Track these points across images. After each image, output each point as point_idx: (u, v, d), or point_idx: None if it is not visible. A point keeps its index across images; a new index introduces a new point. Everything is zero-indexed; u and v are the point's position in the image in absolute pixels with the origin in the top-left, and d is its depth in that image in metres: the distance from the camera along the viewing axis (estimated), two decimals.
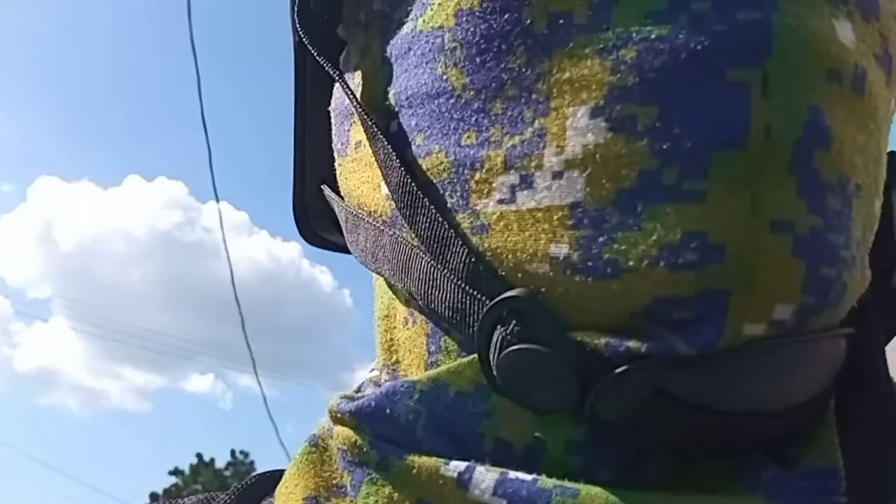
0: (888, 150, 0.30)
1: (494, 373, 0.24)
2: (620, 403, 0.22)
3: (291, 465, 0.28)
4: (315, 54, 0.30)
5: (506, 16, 0.24)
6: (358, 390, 0.29)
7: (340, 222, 0.32)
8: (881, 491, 0.23)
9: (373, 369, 0.30)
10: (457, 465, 0.23)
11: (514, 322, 0.23)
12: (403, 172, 0.26)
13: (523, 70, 0.24)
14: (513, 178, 0.24)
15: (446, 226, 0.25)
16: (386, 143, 0.27)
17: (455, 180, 0.25)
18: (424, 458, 0.24)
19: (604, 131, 0.22)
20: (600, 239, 0.22)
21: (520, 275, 0.24)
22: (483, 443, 0.24)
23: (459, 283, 0.25)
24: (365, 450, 0.25)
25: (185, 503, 0.31)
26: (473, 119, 0.25)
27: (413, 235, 0.26)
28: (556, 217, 0.23)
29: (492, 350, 0.24)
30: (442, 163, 0.26)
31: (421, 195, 0.26)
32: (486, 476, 0.23)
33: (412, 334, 0.28)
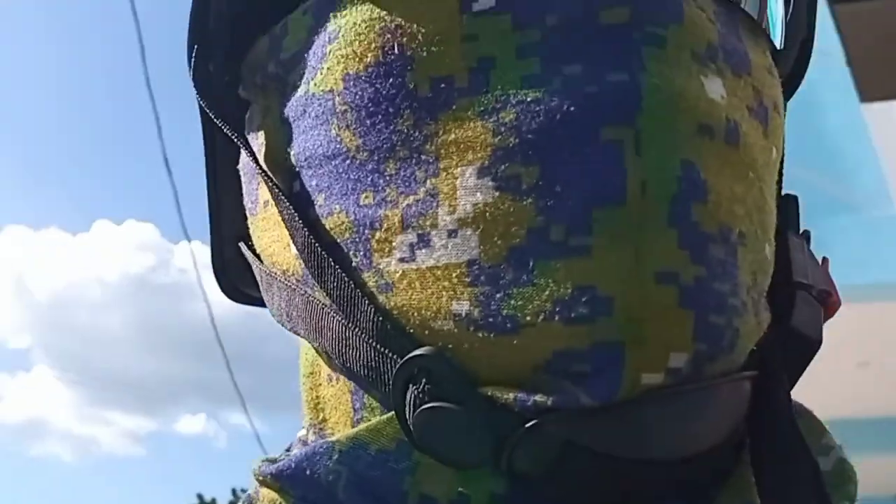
0: (784, 193, 0.31)
1: (412, 430, 0.24)
2: (534, 456, 0.23)
3: None
4: (214, 118, 0.31)
5: (390, 80, 0.25)
6: (288, 449, 0.29)
7: (257, 280, 0.32)
8: None
9: (301, 429, 0.30)
10: None
11: (423, 380, 0.24)
12: (307, 233, 0.27)
13: (412, 132, 0.25)
14: (411, 236, 0.24)
15: (352, 285, 0.26)
16: (288, 204, 0.27)
17: (357, 240, 0.26)
18: None
19: (491, 190, 0.23)
20: (497, 295, 0.23)
21: (427, 332, 0.24)
22: (407, 500, 0.24)
23: (371, 341, 0.25)
24: None
25: None
26: (369, 179, 0.25)
27: (324, 294, 0.27)
28: (454, 275, 0.24)
29: (407, 408, 0.24)
30: (343, 222, 0.26)
31: (326, 255, 0.26)
32: None
33: (336, 392, 0.28)
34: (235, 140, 0.30)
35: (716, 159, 0.23)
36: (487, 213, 0.23)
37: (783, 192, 0.31)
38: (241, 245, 0.33)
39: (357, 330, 0.25)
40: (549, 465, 0.23)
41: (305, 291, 0.28)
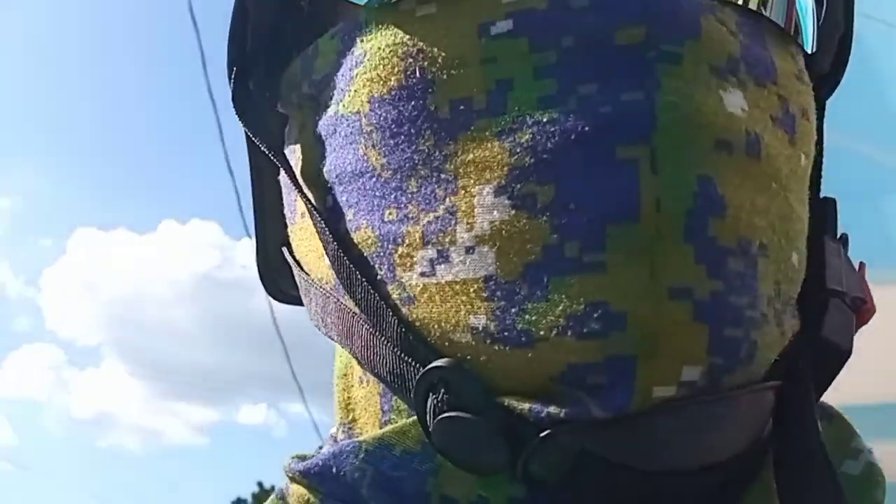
0: (822, 196, 0.31)
1: (432, 436, 0.25)
2: (550, 464, 0.23)
3: None
4: (252, 137, 0.32)
5: (412, 103, 0.26)
6: (321, 447, 0.30)
7: (297, 284, 0.33)
8: None
9: (333, 427, 0.31)
10: None
11: (442, 390, 0.24)
12: (336, 246, 0.28)
13: (432, 151, 0.25)
14: (431, 252, 0.25)
15: (377, 297, 0.26)
16: (320, 218, 0.29)
17: (382, 254, 0.27)
18: None
19: (508, 208, 0.24)
20: (513, 310, 0.24)
21: (446, 343, 0.25)
22: (430, 500, 0.25)
23: (395, 350, 0.26)
24: None
25: None
26: (393, 196, 0.26)
27: (353, 304, 0.28)
28: (472, 290, 0.24)
29: (427, 415, 0.25)
30: (369, 237, 0.27)
31: (353, 268, 0.27)
32: None
33: (367, 393, 0.29)
34: (272, 158, 0.31)
35: (735, 173, 0.23)
36: (504, 231, 0.24)
37: (821, 195, 0.31)
38: (284, 250, 0.34)
39: (383, 339, 0.26)
40: (564, 473, 0.23)
41: (338, 299, 0.29)
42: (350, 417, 0.30)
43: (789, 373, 0.25)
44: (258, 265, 0.37)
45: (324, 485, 0.26)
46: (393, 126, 0.26)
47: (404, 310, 0.26)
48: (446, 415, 0.24)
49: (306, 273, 0.31)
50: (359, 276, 0.27)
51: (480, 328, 0.24)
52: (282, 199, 0.34)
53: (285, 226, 0.33)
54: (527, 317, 0.23)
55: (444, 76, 0.25)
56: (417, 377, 0.25)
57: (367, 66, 0.27)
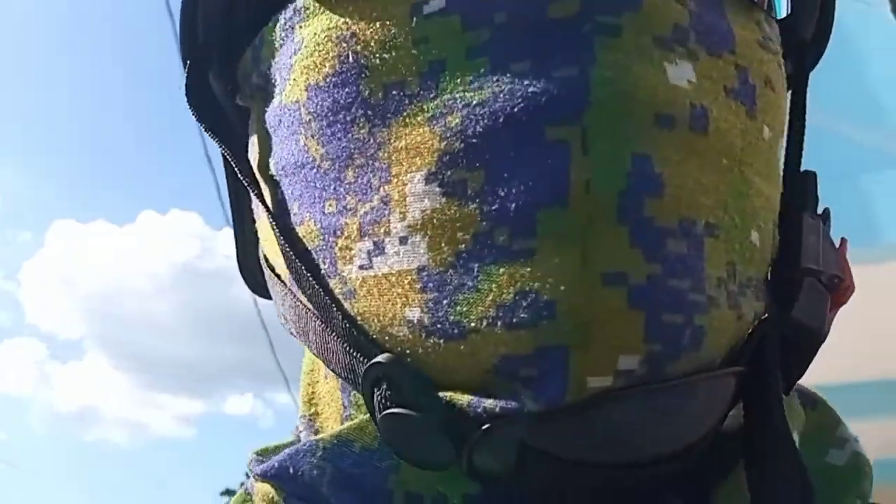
0: (801, 170, 0.29)
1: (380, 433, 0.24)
2: (493, 459, 0.23)
3: None
4: (206, 130, 0.31)
5: (346, 89, 0.25)
6: (275, 447, 0.29)
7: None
8: None
9: (301, 416, 0.31)
10: None
11: (384, 386, 0.24)
12: (283, 241, 0.27)
13: (367, 139, 0.25)
14: (368, 244, 0.25)
15: (321, 292, 0.26)
16: (266, 212, 0.28)
17: (324, 247, 0.26)
18: None
19: (438, 196, 0.23)
20: (445, 301, 0.23)
21: (387, 338, 0.25)
22: (392, 498, 0.25)
23: (345, 346, 0.26)
24: None
25: None
26: (332, 188, 0.26)
27: (305, 299, 0.27)
28: (406, 281, 0.24)
29: (375, 412, 0.24)
30: (312, 230, 0.27)
31: (299, 263, 0.27)
32: None
33: (330, 388, 0.29)
34: (221, 150, 0.30)
35: (677, 149, 0.22)
36: (435, 219, 0.23)
37: (801, 169, 0.30)
38: (260, 247, 0.34)
39: (333, 334, 0.26)
40: (509, 468, 0.23)
41: (294, 294, 0.28)
42: (312, 411, 0.30)
43: (757, 356, 0.24)
44: (238, 260, 0.37)
45: (285, 484, 0.26)
46: (329, 114, 0.25)
47: (346, 304, 0.26)
48: (389, 411, 0.24)
49: (270, 268, 0.31)
50: (304, 272, 0.27)
51: (416, 321, 0.24)
52: None
53: (254, 221, 0.33)
54: (458, 308, 0.23)
55: (377, 60, 0.24)
56: (361, 373, 0.25)
57: (304, 53, 0.26)
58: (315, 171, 0.26)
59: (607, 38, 0.22)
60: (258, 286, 0.37)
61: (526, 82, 0.22)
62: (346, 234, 0.25)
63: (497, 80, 0.22)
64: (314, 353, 0.28)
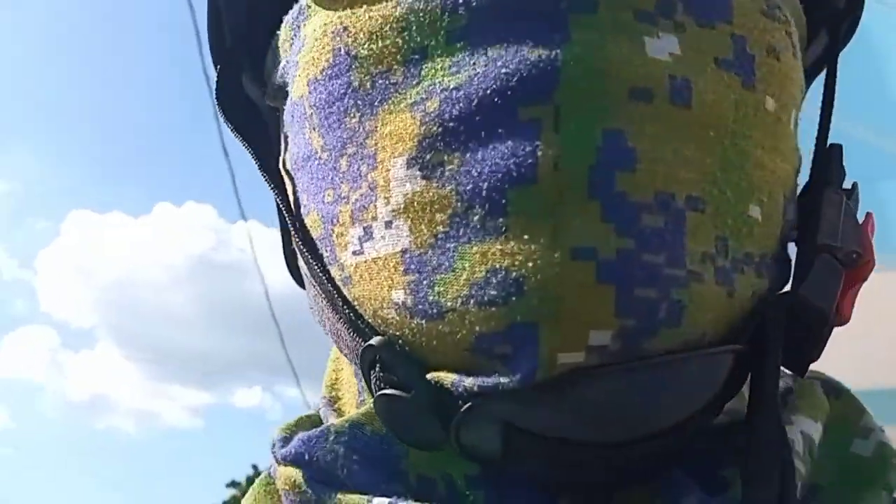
0: (832, 144, 0.28)
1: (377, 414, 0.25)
2: (480, 438, 0.23)
3: (249, 495, 0.29)
4: (232, 130, 0.32)
5: (339, 80, 0.25)
6: (297, 423, 0.30)
7: None
8: None
9: (322, 397, 0.31)
10: (380, 502, 0.24)
11: (378, 368, 0.25)
12: (294, 233, 0.28)
13: (357, 128, 0.25)
14: (359, 230, 0.25)
15: (325, 280, 0.27)
16: (284, 207, 0.29)
17: (325, 236, 0.27)
18: (350, 496, 0.24)
19: (418, 179, 0.23)
20: (425, 282, 0.23)
21: (379, 321, 0.25)
22: (407, 479, 0.25)
23: (350, 330, 0.26)
24: (303, 489, 0.26)
25: None
26: (330, 177, 0.26)
27: (319, 287, 0.28)
28: (391, 264, 0.24)
29: (374, 393, 0.25)
30: (316, 220, 0.27)
31: (307, 253, 0.28)
32: None
33: (349, 375, 0.30)
34: (245, 148, 0.31)
35: (654, 123, 0.22)
36: (416, 202, 0.23)
37: (827, 143, 0.29)
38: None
39: (341, 320, 0.27)
40: (496, 446, 0.23)
41: (313, 285, 0.29)
42: (333, 394, 0.31)
43: (755, 335, 0.24)
44: (284, 254, 0.37)
45: (304, 469, 0.26)
46: (325, 106, 0.26)
47: (346, 290, 0.26)
48: (382, 392, 0.24)
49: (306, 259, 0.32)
50: (311, 261, 0.27)
51: (401, 303, 0.24)
52: None
53: None
54: (437, 288, 0.23)
55: (365, 51, 0.25)
56: (359, 357, 0.25)
57: (305, 50, 0.27)
58: (317, 162, 0.27)
59: (582, 16, 0.22)
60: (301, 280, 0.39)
61: (500, 63, 0.22)
62: (340, 221, 0.26)
63: (474, 64, 0.23)
64: (331, 339, 0.28)
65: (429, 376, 0.24)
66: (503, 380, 0.22)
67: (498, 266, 0.22)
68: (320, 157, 0.26)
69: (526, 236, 0.22)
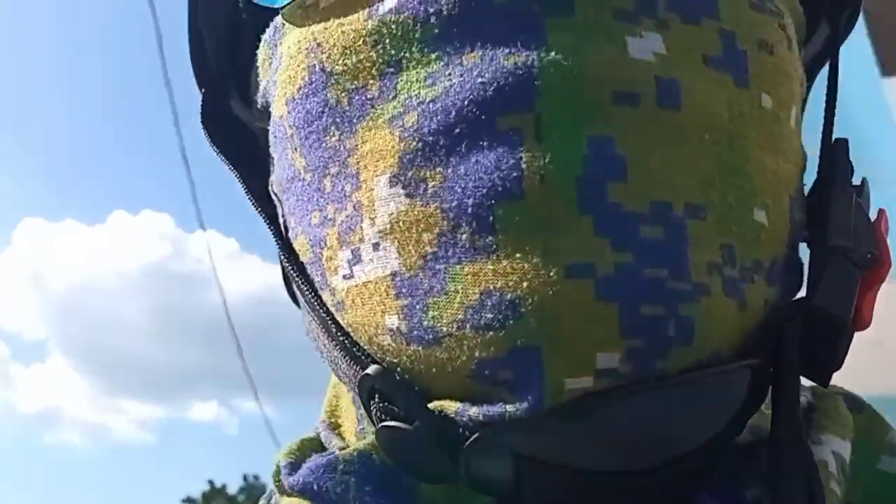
0: (837, 139, 0.27)
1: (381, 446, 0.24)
2: (491, 469, 0.22)
3: None
4: (216, 152, 0.31)
5: (316, 98, 0.25)
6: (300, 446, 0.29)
7: None
8: None
9: (322, 421, 0.30)
10: None
11: (377, 398, 0.23)
12: (283, 258, 0.27)
13: (338, 147, 0.24)
14: (347, 253, 0.24)
15: (317, 306, 0.26)
16: (273, 230, 0.28)
17: (314, 260, 0.26)
18: None
19: (402, 198, 0.22)
20: (418, 307, 0.22)
21: (375, 348, 0.24)
22: None
23: (346, 357, 0.25)
24: None
25: None
26: (315, 199, 0.25)
27: (312, 314, 0.27)
28: (382, 288, 0.23)
29: (375, 424, 0.24)
30: (304, 244, 0.26)
31: (298, 278, 0.26)
32: None
33: (348, 402, 0.29)
34: (230, 169, 0.30)
35: (642, 128, 0.21)
36: (401, 222, 0.22)
37: (833, 138, 0.28)
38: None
39: (336, 346, 0.25)
40: (509, 478, 0.22)
41: (308, 312, 0.28)
42: (334, 421, 0.29)
43: (778, 345, 0.23)
44: (283, 277, 0.36)
45: (312, 499, 0.25)
46: (305, 126, 0.25)
47: (339, 315, 0.25)
48: (383, 425, 0.23)
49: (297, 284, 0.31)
50: (302, 286, 0.26)
51: (395, 328, 0.23)
52: None
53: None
54: (430, 312, 0.22)
55: (340, 67, 0.24)
56: (356, 385, 0.24)
57: (282, 68, 0.26)
58: (301, 183, 0.26)
59: (558, 19, 0.21)
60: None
61: (475, 73, 0.21)
62: (328, 244, 0.25)
63: (449, 74, 0.22)
64: (329, 366, 0.27)
65: (431, 405, 0.23)
66: (510, 408, 0.21)
67: (492, 287, 0.21)
68: (304, 179, 0.25)
69: (518, 255, 0.20)
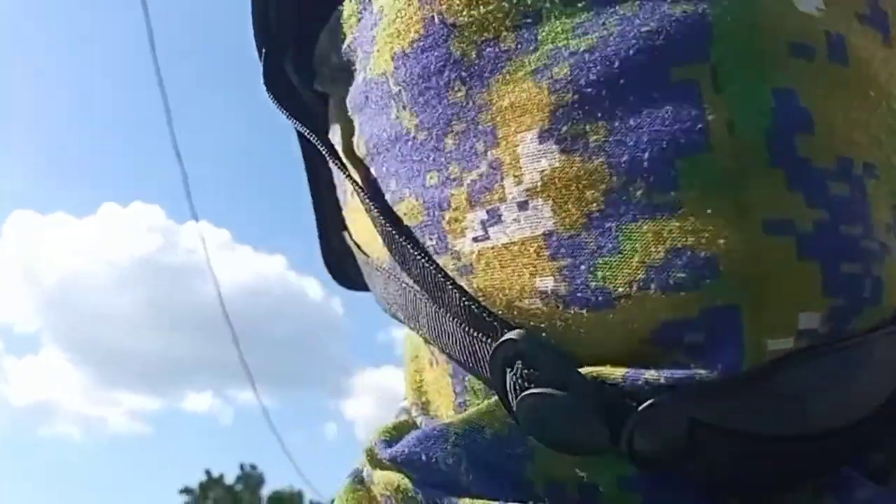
0: None
1: (517, 417, 0.23)
2: (657, 438, 0.21)
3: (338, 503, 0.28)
4: (289, 118, 0.31)
5: (435, 52, 0.24)
6: (396, 426, 0.28)
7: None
8: None
9: (405, 399, 0.30)
10: None
11: (520, 365, 0.22)
12: (384, 221, 0.26)
13: (465, 103, 0.23)
14: (481, 213, 0.23)
15: (432, 271, 0.25)
16: (364, 193, 0.27)
17: (430, 222, 0.25)
18: (477, 502, 0.23)
19: (557, 154, 0.21)
20: (582, 267, 0.21)
21: (515, 313, 0.23)
22: (534, 486, 0.23)
23: (463, 326, 0.24)
24: (411, 495, 0.25)
25: None
26: (431, 158, 0.24)
27: (412, 280, 0.26)
28: (532, 249, 0.22)
29: (508, 394, 0.23)
30: (414, 206, 0.25)
31: (404, 242, 0.25)
32: None
33: (437, 376, 0.28)
34: (308, 135, 0.30)
35: (819, 82, 0.20)
36: (557, 179, 0.21)
37: None
38: (345, 234, 0.34)
39: (448, 315, 0.25)
40: (676, 446, 0.21)
41: (398, 277, 0.28)
42: (423, 399, 0.29)
43: None
44: (323, 254, 0.36)
45: (416, 472, 0.25)
46: (420, 81, 0.24)
47: (463, 281, 0.24)
48: (528, 392, 0.22)
49: (365, 254, 0.30)
50: (411, 251, 0.25)
51: (549, 291, 0.22)
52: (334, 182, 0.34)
53: (340, 210, 0.33)
54: (599, 273, 0.21)
55: (465, 18, 0.23)
56: (490, 354, 0.23)
57: (386, 22, 0.25)
58: (411, 143, 0.25)
59: None
60: (347, 280, 0.37)
61: (637, 22, 0.20)
62: (453, 205, 0.24)
63: (604, 24, 0.21)
64: (426, 338, 0.27)
65: (583, 371, 0.21)
66: (701, 371, 0.20)
67: (680, 245, 0.20)
68: (415, 138, 0.25)
69: (708, 210, 0.19)
